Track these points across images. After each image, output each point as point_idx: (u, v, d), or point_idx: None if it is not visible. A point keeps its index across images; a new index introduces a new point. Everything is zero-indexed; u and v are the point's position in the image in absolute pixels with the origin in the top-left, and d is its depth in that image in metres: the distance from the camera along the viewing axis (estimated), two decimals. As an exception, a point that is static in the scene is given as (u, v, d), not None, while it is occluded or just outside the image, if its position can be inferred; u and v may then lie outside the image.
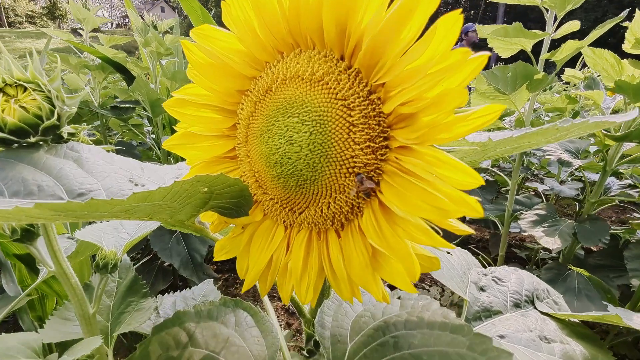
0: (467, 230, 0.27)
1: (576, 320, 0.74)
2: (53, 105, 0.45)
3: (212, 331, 0.40)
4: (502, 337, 0.63)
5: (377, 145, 0.31)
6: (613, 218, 3.04)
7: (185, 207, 0.37)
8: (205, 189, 0.35)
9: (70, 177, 0.41)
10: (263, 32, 0.35)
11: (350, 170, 0.32)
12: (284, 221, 0.39)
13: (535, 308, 0.76)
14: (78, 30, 2.22)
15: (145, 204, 0.30)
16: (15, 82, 0.44)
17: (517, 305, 0.74)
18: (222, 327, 0.41)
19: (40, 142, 0.47)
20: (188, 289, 1.03)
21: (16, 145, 0.45)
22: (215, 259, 0.42)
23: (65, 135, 0.47)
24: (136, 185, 0.47)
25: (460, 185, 0.25)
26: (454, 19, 0.24)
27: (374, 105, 0.30)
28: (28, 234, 0.57)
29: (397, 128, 0.30)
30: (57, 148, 0.45)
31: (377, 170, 0.31)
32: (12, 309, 0.85)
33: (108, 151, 0.51)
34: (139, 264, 1.80)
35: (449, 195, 0.25)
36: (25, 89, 0.44)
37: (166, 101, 0.41)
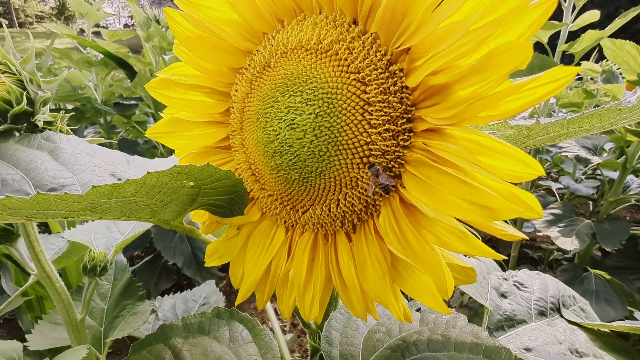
0: (519, 234, 0.21)
1: (607, 330, 0.67)
2: (25, 89, 0.40)
3: (202, 348, 0.35)
4: (528, 350, 0.57)
5: (399, 129, 0.25)
6: (628, 218, 2.95)
7: (169, 205, 0.31)
8: (192, 184, 0.29)
9: (41, 170, 0.36)
10: (259, -4, 0.29)
11: (364, 159, 0.26)
12: (285, 221, 0.33)
13: (562, 316, 0.69)
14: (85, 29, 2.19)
15: (113, 200, 0.24)
16: (-18, 63, 0.39)
17: (542, 314, 0.68)
18: (215, 343, 0.36)
19: (15, 132, 0.42)
20: (191, 289, 1.00)
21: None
22: (206, 265, 0.36)
23: (40, 124, 0.42)
24: (119, 180, 0.42)
25: (512, 177, 0.20)
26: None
27: (396, 79, 0.24)
28: (6, 234, 0.52)
29: (424, 106, 0.24)
30: (29, 138, 0.40)
31: (398, 160, 0.25)
32: (3, 311, 0.81)
33: (102, 145, 0.46)
34: (142, 262, 1.76)
35: (497, 189, 0.19)
36: (-5, 71, 0.39)
37: (149, 82, 0.35)
